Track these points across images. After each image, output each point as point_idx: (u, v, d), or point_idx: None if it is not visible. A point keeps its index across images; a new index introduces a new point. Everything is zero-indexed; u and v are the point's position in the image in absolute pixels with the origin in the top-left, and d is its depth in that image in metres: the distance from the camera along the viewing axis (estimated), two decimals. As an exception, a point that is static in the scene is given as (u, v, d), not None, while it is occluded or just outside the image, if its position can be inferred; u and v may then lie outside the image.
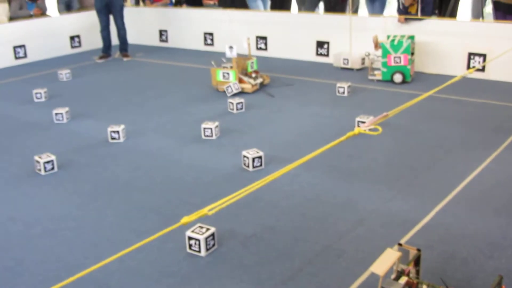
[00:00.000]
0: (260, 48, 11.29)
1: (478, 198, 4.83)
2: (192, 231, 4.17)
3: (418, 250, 3.46)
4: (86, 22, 12.34)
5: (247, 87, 8.39)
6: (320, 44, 10.56)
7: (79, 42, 12.36)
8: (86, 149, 6.32)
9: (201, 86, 8.95)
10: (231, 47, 8.31)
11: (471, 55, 8.99)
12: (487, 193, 4.93)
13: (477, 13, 10.63)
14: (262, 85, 8.66)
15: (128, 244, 4.25)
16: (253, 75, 8.55)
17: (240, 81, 8.43)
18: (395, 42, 8.52)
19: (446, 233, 4.27)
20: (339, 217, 4.58)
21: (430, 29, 9.30)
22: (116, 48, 11.77)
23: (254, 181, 2.79)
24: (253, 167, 5.50)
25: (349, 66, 9.78)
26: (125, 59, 11.42)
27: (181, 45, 12.45)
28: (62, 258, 4.13)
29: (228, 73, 8.35)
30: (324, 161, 5.67)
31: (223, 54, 11.54)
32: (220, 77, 8.41)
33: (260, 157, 5.53)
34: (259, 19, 11.27)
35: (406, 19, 9.45)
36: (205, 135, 6.51)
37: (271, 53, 11.15)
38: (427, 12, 9.43)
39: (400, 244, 3.46)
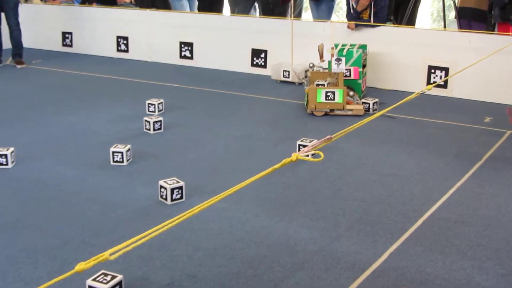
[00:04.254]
0: (184, 56, 11.25)
1: (439, 237, 4.89)
2: (94, 280, 4.04)
3: None
4: (-29, 21, 12.02)
5: (359, 108, 8.08)
6: (256, 53, 10.61)
7: (-38, 45, 12.01)
8: (-36, 178, 6.10)
9: (112, 101, 8.84)
10: (338, 60, 7.94)
11: (431, 69, 9.21)
12: (450, 230, 4.99)
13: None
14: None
15: (12, 297, 4.09)
16: (351, 93, 8.35)
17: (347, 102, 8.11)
18: (344, 52, 8.64)
19: (401, 279, 4.29)
20: (275, 261, 4.54)
21: (384, 38, 9.49)
22: (7, 53, 11.49)
23: (173, 217, 2.73)
24: (172, 199, 5.43)
25: (290, 79, 9.86)
26: (18, 66, 11.16)
27: (89, 51, 12.28)
28: None
29: (333, 93, 7.93)
30: (258, 193, 5.64)
31: (140, 63, 11.50)
32: (321, 98, 7.99)
33: (180, 188, 5.46)
34: (184, 22, 11.25)
35: (357, 26, 9.62)
36: (114, 161, 6.38)
37: (197, 62, 11.13)
38: (381, 18, 9.63)
39: None
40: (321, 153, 3.20)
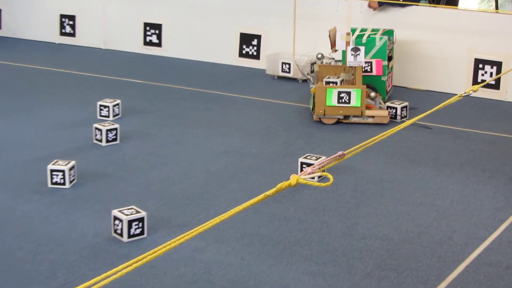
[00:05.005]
0: (150, 43, 11.25)
1: (487, 286, 4.89)
2: None
3: None
4: None
5: (382, 115, 8.11)
6: (246, 39, 10.61)
7: None
8: None
9: (52, 102, 8.82)
10: (356, 50, 7.90)
11: (479, 63, 9.22)
12: (501, 279, 4.98)
13: None
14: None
15: None
16: (372, 94, 8.34)
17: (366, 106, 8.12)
18: (363, 40, 8.65)
19: None
20: (267, 319, 4.53)
21: (417, 22, 9.50)
22: None
23: (131, 259, 2.72)
24: (130, 235, 5.40)
25: (291, 74, 9.86)
26: None
27: (23, 34, 12.25)
28: None
29: (348, 94, 7.92)
30: (245, 228, 5.63)
31: (91, 50, 11.48)
32: (333, 101, 7.98)
33: (140, 220, 5.43)
34: (150, -3, 11.29)
35: (380, 4, 9.63)
36: (53, 182, 6.36)
37: (168, 51, 11.12)
38: (413, -5, 9.66)
39: None
40: (330, 176, 3.18)
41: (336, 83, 8.14)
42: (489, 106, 8.91)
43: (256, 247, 5.38)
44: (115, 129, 7.47)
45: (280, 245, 5.42)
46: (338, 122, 8.10)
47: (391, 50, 9.04)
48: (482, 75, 9.19)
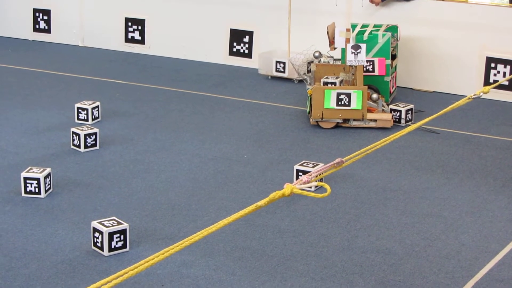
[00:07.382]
0: (132, 40, 11.24)
1: (498, 307, 4.91)
2: None
3: None
4: None
5: (385, 119, 8.10)
6: (237, 36, 10.60)
7: None
8: None
9: (26, 104, 8.83)
10: (357, 47, 7.92)
11: (491, 62, 9.23)
12: (513, 297, 5.02)
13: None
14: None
15: None
16: (374, 96, 8.30)
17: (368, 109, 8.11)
18: (365, 37, 8.66)
19: None
20: None
21: (423, 17, 9.51)
22: None
23: (112, 274, 2.74)
24: (111, 249, 5.41)
25: (285, 74, 9.86)
26: None
27: (-7, 30, 12.29)
28: None
29: (348, 95, 7.90)
30: (236, 241, 5.65)
31: (67, 48, 11.46)
32: (331, 103, 7.98)
33: (122, 232, 5.44)
34: (133, -10, 11.29)
35: (383, -2, 9.67)
36: (27, 191, 6.36)
37: (151, 48, 11.10)
38: (419, -12, 9.68)
39: None
40: (327, 186, 3.17)
41: (335, 83, 8.13)
42: (502, 109, 8.92)
43: (248, 262, 5.39)
44: (95, 133, 7.46)
45: (274, 259, 5.43)
46: (337, 126, 8.11)
47: (395, 47, 9.04)
48: (495, 75, 9.19)
